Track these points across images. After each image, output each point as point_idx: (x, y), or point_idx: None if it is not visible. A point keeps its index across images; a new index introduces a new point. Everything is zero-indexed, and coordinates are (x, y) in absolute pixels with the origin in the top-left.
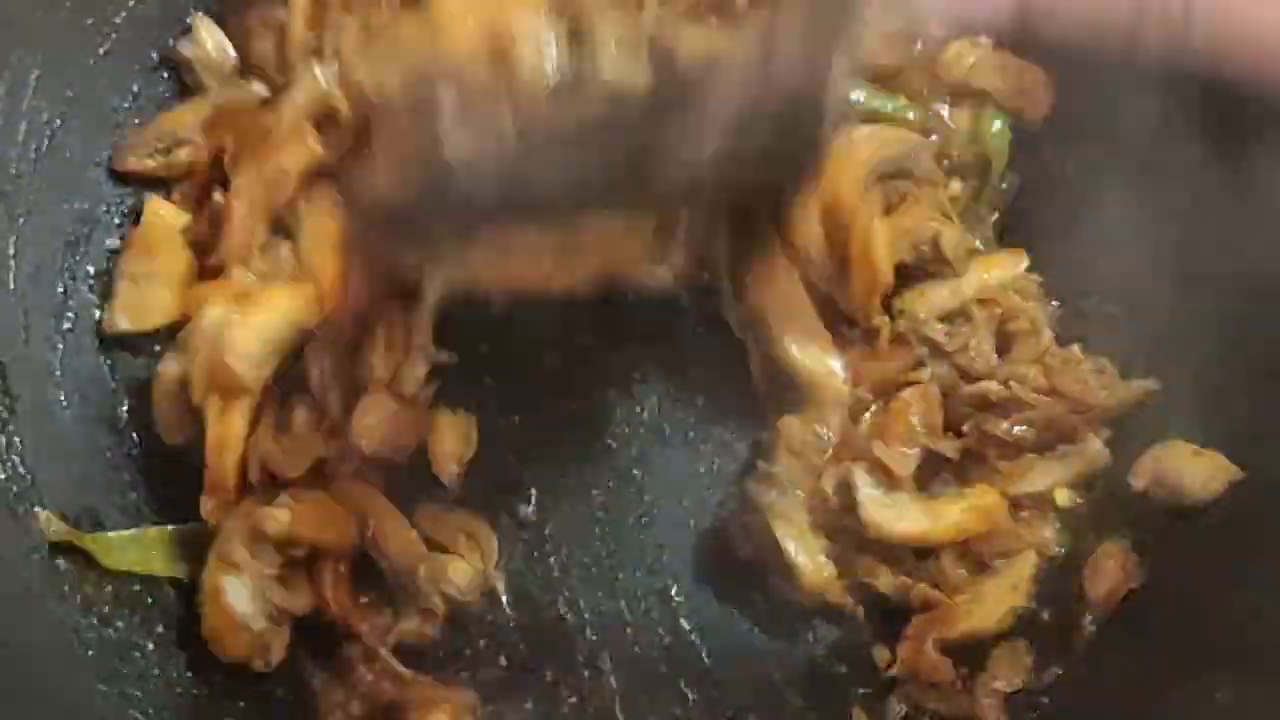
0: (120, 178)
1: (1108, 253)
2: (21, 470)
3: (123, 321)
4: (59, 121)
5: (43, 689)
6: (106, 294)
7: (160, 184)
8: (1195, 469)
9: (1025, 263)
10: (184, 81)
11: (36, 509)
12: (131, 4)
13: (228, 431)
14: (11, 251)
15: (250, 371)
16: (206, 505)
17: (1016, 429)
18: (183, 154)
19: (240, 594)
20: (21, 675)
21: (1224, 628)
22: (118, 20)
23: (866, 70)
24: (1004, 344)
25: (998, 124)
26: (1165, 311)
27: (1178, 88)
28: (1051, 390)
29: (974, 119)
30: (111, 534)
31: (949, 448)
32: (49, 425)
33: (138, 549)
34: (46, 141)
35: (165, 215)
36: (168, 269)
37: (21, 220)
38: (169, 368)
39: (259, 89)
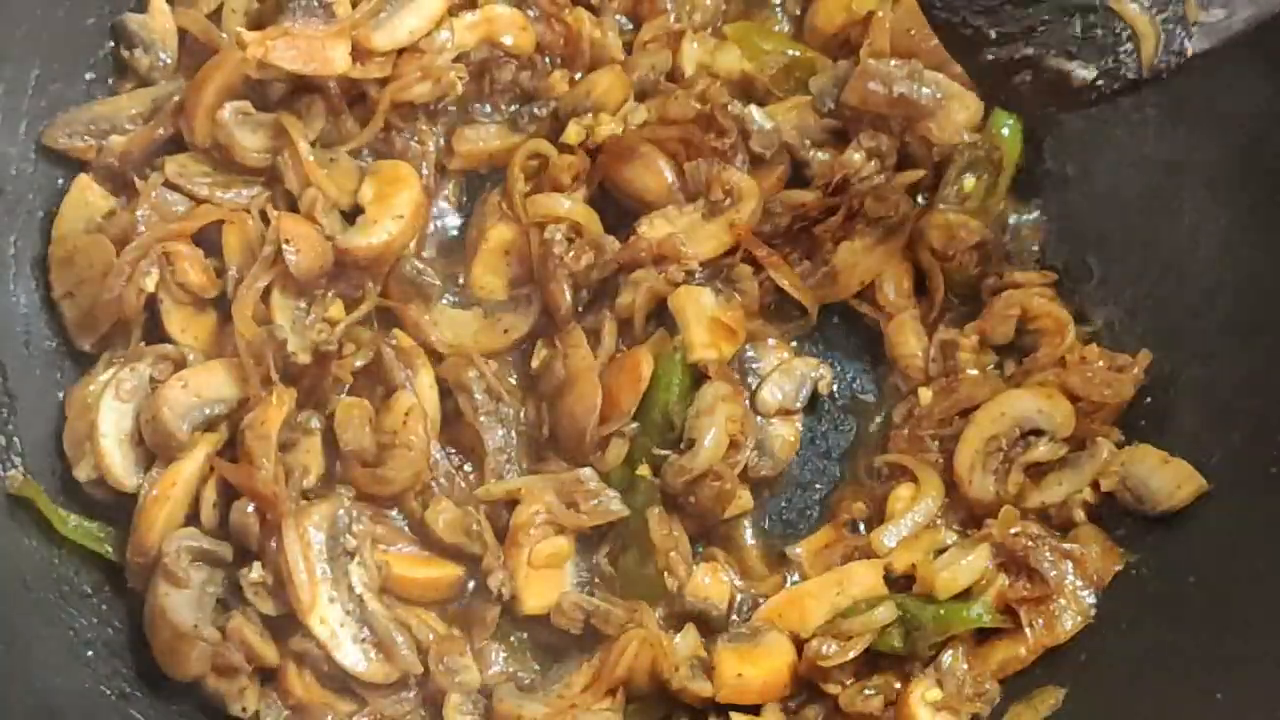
0: (49, 155)
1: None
2: (20, 469)
3: (83, 344)
4: None
5: (43, 688)
6: None
7: (83, 166)
8: (1163, 476)
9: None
10: (123, 62)
11: (12, 471)
12: (131, 5)
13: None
14: (11, 252)
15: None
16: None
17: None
18: (116, 141)
19: (181, 604)
20: (21, 674)
21: None
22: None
23: None
24: (1030, 343)
25: (1009, 122)
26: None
27: None
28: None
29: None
30: (71, 517)
31: None
32: (49, 425)
33: (86, 534)
34: None
35: (92, 199)
36: (90, 274)
37: (22, 219)
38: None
39: None
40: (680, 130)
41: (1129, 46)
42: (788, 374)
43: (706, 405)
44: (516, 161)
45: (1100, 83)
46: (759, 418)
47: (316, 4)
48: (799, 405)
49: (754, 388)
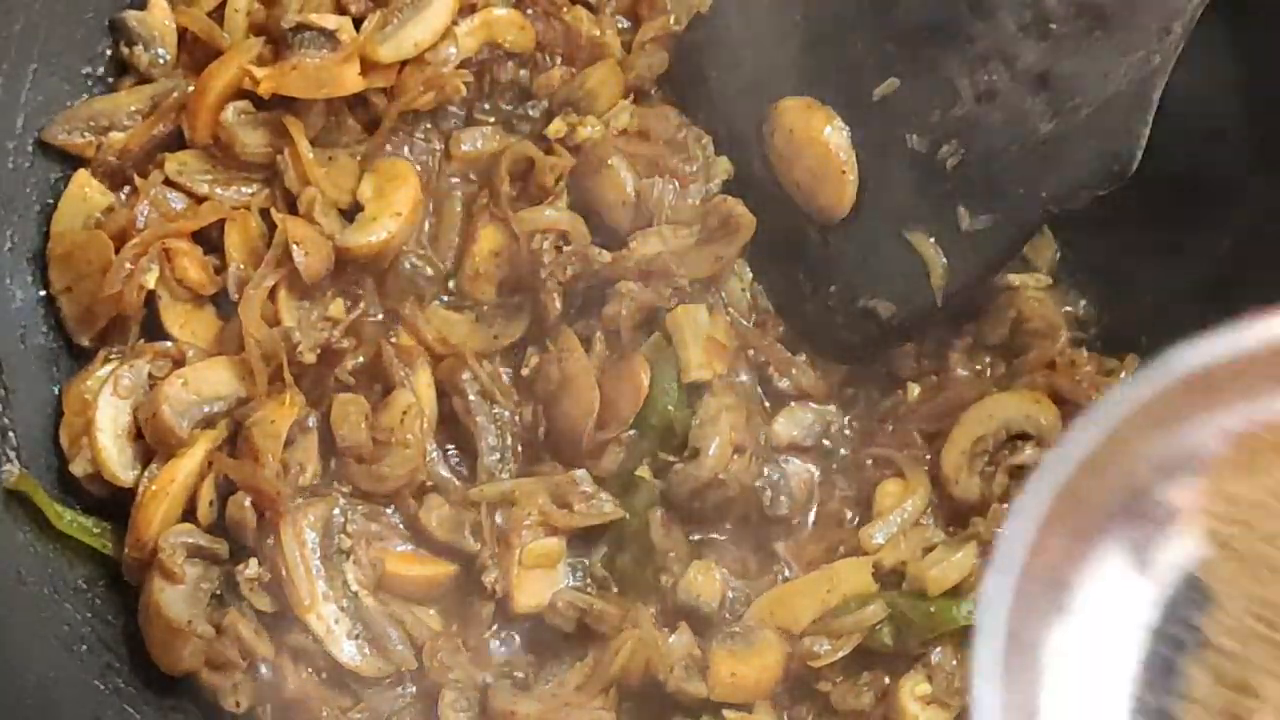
0: (45, 150)
1: None
2: (16, 463)
3: (82, 338)
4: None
5: (36, 682)
6: None
7: (83, 163)
8: None
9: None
10: (122, 58)
11: (7, 465)
12: (129, 1)
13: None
14: (8, 246)
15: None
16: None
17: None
18: (116, 137)
19: (176, 600)
20: (14, 667)
21: None
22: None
23: None
24: (1022, 344)
25: None
26: None
27: None
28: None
29: None
30: (67, 512)
31: None
32: (45, 420)
33: (81, 529)
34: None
35: (90, 195)
36: (89, 270)
37: (18, 214)
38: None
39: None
40: (651, 149)
41: (918, 272)
42: (801, 412)
43: (710, 415)
44: (503, 164)
45: (901, 316)
46: (776, 454)
47: (321, 36)
48: (810, 443)
49: (769, 415)
